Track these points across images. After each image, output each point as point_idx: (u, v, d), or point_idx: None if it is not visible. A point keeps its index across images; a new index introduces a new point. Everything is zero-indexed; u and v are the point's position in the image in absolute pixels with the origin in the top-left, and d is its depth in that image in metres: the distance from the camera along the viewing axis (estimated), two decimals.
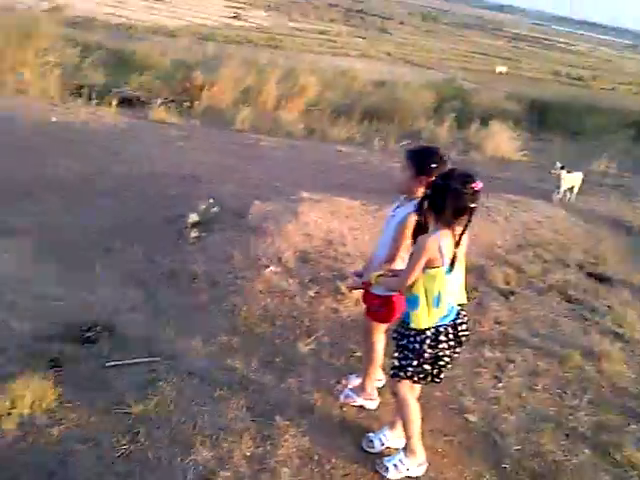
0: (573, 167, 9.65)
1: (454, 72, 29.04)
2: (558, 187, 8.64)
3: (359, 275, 3.34)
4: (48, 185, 6.37)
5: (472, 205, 2.62)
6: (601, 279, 5.85)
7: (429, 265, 2.67)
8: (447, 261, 2.67)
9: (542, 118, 20.57)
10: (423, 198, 2.72)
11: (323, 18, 51.96)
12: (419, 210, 2.74)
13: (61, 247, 4.96)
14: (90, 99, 11.99)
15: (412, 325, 2.77)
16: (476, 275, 5.32)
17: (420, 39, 48.66)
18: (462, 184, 2.60)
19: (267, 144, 11.21)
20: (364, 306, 3.44)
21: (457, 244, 2.69)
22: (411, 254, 2.75)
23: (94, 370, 3.33)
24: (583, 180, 9.00)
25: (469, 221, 2.66)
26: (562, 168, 8.61)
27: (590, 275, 5.92)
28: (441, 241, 2.65)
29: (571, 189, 8.86)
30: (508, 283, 5.35)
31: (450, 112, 16.57)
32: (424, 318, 2.75)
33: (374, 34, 46.08)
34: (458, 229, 2.68)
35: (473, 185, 2.60)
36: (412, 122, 15.74)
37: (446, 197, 2.61)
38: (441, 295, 2.72)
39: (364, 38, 40.92)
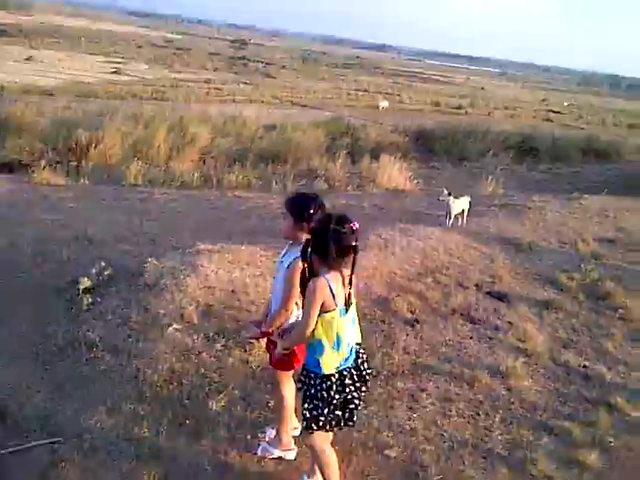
0: (463, 191, 10.17)
1: (340, 110, 30.09)
2: (449, 213, 9.04)
3: (258, 325, 3.29)
4: None
5: (354, 243, 2.69)
6: (499, 297, 6.13)
7: (324, 309, 2.68)
8: (341, 302, 2.70)
9: (428, 147, 21.71)
10: (306, 244, 2.76)
11: (206, 67, 52.37)
12: (304, 256, 2.77)
13: None
14: None
15: (322, 371, 2.74)
16: (380, 307, 5.42)
17: (303, 81, 50.18)
18: (340, 225, 2.66)
19: (161, 196, 10.97)
20: (268, 356, 3.39)
21: (349, 284, 2.73)
22: (304, 302, 2.75)
23: None
24: (471, 203, 9.47)
25: (354, 260, 2.71)
26: (449, 194, 9.03)
27: (489, 294, 6.19)
28: (331, 283, 2.68)
29: (461, 213, 9.29)
30: (412, 312, 5.48)
31: (341, 149, 17.10)
32: (332, 362, 2.74)
33: (259, 79, 46.98)
34: (345, 271, 2.73)
35: (350, 224, 2.67)
36: (306, 161, 16.04)
37: (328, 239, 2.65)
38: (340, 338, 2.74)
39: (250, 84, 41.61)
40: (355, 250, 2.70)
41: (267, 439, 3.45)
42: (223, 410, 3.70)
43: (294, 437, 3.41)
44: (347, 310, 2.74)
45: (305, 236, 2.89)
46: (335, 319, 2.70)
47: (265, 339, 3.34)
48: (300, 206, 3.04)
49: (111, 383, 3.88)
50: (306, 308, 2.71)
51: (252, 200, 11.01)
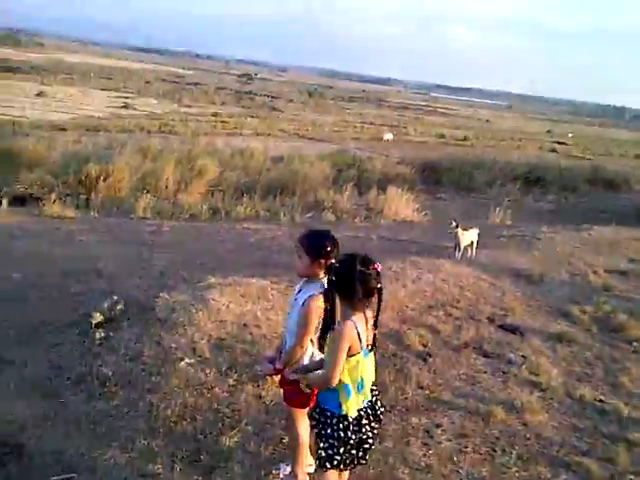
0: (471, 222, 10.19)
1: (346, 142, 30.38)
2: (458, 245, 9.05)
3: (271, 360, 3.27)
4: None
5: (378, 285, 2.69)
6: (512, 330, 6.09)
7: (350, 353, 2.66)
8: (365, 345, 2.69)
9: (435, 178, 21.82)
10: (330, 286, 2.75)
11: (214, 101, 53.12)
12: (328, 298, 2.76)
13: None
14: None
15: (342, 412, 2.72)
16: (392, 340, 5.38)
17: (310, 114, 50.79)
18: (365, 266, 2.66)
19: (170, 229, 11.04)
20: (281, 392, 3.37)
21: (373, 326, 2.73)
22: (330, 347, 2.71)
23: None
24: (479, 234, 9.48)
25: (380, 302, 2.71)
26: (457, 226, 9.05)
27: (501, 327, 6.15)
28: (358, 326, 2.66)
29: (470, 245, 9.29)
30: (425, 345, 5.44)
31: (348, 181, 17.23)
32: (354, 405, 2.72)
33: (266, 113, 47.57)
34: (369, 312, 2.72)
35: (375, 266, 2.68)
36: (313, 193, 16.14)
37: (353, 281, 2.65)
38: (364, 380, 2.72)
39: (256, 117, 42.12)
40: (380, 292, 2.70)
41: (282, 476, 3.41)
42: (237, 446, 3.66)
43: (309, 474, 3.36)
44: (370, 351, 2.73)
45: (321, 273, 2.91)
46: (360, 362, 2.68)
47: (279, 375, 3.32)
48: (315, 244, 3.05)
49: (124, 418, 3.85)
50: (333, 353, 2.65)
51: (261, 232, 11.06)
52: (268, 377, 4.10)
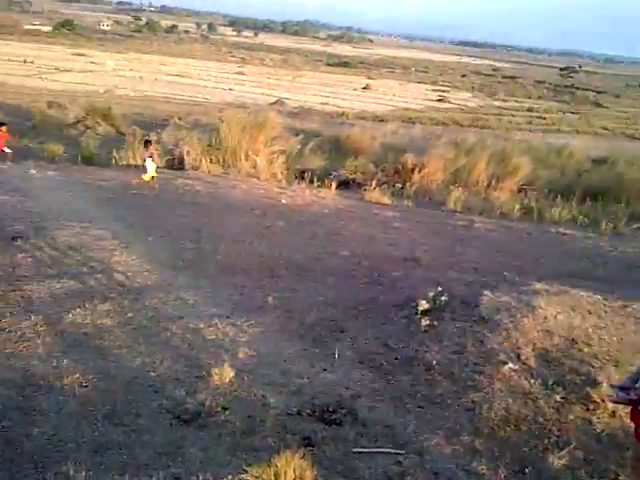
0: None
1: None
2: None
3: (625, 389, 2.96)
4: (285, 264, 6.85)
5: None
6: None
7: None
8: None
9: None
10: None
11: (530, 95, 51.03)
12: None
13: (299, 324, 5.23)
14: (312, 182, 13.00)
15: None
16: None
17: None
18: None
19: (481, 225, 10.97)
20: (632, 426, 3.03)
21: None
22: None
23: (342, 454, 3.37)
24: None
25: None
26: None
27: None
28: None
29: None
30: None
31: None
32: None
33: (587, 109, 43.90)
34: None
35: None
36: None
37: None
38: None
39: (577, 113, 39.16)
40: None
41: None
42: (564, 468, 3.46)
43: None
44: None
45: None
46: None
47: (630, 407, 2.99)
48: None
49: (448, 410, 3.95)
50: None
51: (579, 240, 10.26)
52: (613, 404, 3.72)
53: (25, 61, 40.32)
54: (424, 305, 5.17)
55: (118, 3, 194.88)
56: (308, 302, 5.75)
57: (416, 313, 5.16)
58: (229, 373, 4.06)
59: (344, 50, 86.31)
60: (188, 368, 4.19)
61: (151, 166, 10.77)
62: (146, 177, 10.68)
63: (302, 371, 4.33)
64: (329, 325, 5.22)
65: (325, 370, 4.38)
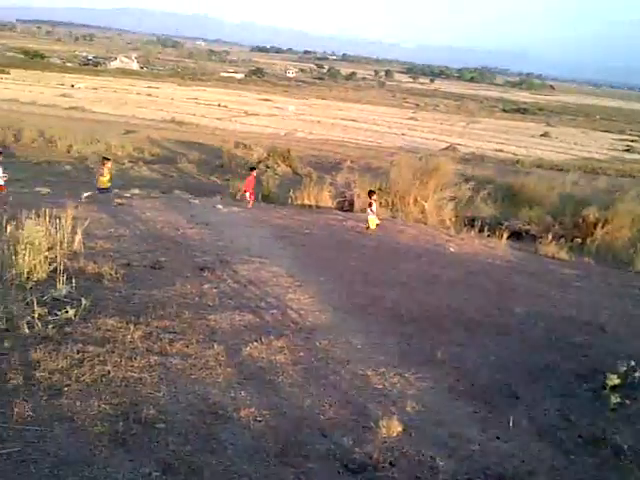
0: None
1: None
2: None
3: None
4: (454, 317, 6.63)
5: None
6: None
7: None
8: None
9: None
10: None
11: None
12: None
13: (469, 384, 4.97)
14: (481, 231, 12.56)
15: None
16: None
17: None
18: None
19: None
20: None
21: None
22: None
23: None
24: None
25: None
26: None
27: None
28: None
29: None
30: None
31: None
32: None
33: None
34: None
35: None
36: None
37: None
38: None
39: None
40: None
41: None
42: None
43: None
44: None
45: None
46: None
47: None
48: None
49: None
50: None
51: None
52: None
53: (219, 105, 44.64)
54: (614, 380, 4.67)
55: (305, 52, 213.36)
56: (479, 361, 5.47)
57: (604, 387, 4.67)
58: (397, 427, 3.96)
59: (522, 96, 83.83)
60: (356, 416, 4.16)
61: (372, 215, 11.13)
62: (372, 225, 11.04)
63: (473, 436, 4.09)
64: (502, 389, 4.90)
65: (498, 438, 4.09)
